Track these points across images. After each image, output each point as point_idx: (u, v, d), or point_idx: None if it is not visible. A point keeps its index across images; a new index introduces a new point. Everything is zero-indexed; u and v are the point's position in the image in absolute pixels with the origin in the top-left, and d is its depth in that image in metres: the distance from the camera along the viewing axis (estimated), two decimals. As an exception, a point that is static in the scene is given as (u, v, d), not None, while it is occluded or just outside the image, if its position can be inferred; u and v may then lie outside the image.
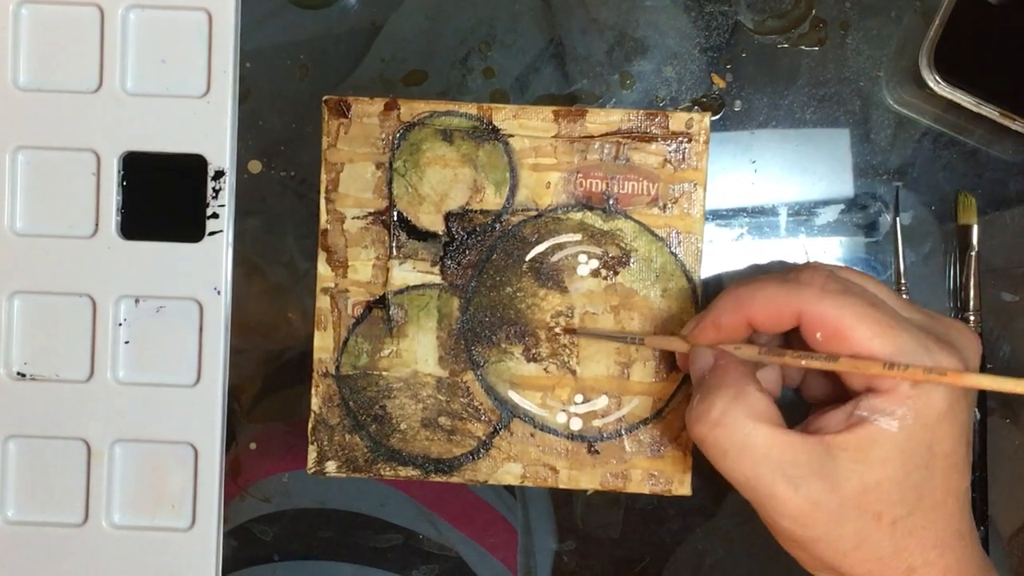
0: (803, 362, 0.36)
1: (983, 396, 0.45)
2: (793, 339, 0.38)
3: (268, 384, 0.47)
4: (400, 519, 0.47)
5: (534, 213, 0.45)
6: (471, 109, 0.45)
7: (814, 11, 0.46)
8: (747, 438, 0.35)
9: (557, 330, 0.45)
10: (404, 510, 0.47)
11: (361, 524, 0.47)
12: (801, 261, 0.46)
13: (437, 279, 0.45)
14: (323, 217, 0.45)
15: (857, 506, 0.34)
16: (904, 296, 0.46)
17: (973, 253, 0.45)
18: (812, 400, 0.40)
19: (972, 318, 0.45)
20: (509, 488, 0.47)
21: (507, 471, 0.45)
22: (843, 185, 0.46)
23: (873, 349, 0.34)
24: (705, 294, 0.45)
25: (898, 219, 0.46)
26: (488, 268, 0.45)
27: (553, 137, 0.45)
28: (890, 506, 0.34)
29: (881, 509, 0.34)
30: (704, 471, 0.46)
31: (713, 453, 0.36)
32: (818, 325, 0.35)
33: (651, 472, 0.45)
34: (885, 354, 0.34)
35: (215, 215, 0.46)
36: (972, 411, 0.36)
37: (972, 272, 0.45)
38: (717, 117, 0.46)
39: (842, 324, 0.34)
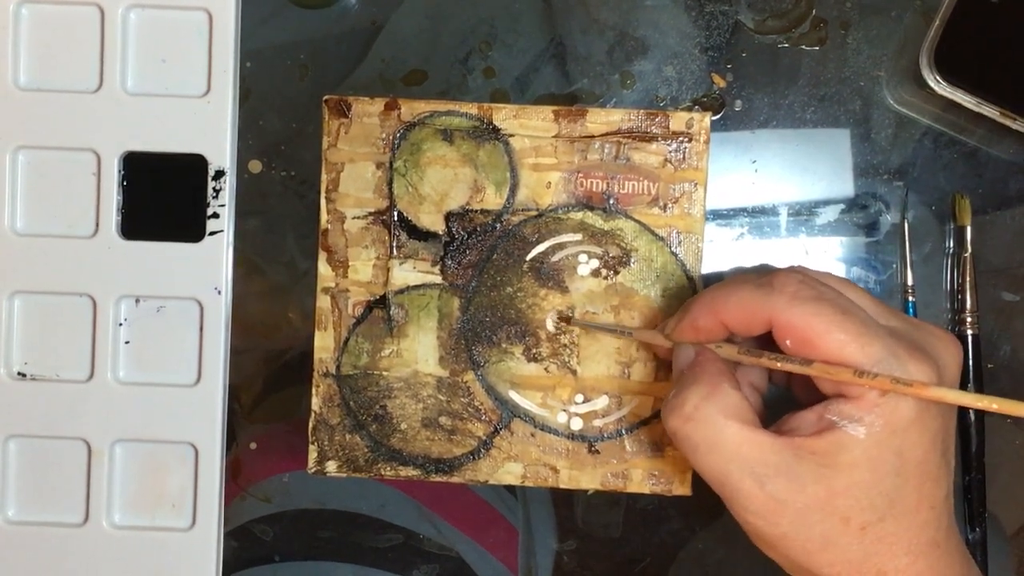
0: (778, 364, 0.36)
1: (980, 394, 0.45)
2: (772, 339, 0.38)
3: (268, 384, 0.47)
4: (400, 519, 0.47)
5: (534, 213, 0.45)
6: (471, 109, 0.45)
7: (814, 11, 0.46)
8: (717, 434, 0.35)
9: (554, 321, 0.45)
10: (404, 510, 0.47)
11: (361, 524, 0.47)
12: (801, 261, 0.46)
13: (437, 279, 0.45)
14: (323, 217, 0.45)
15: (823, 508, 0.35)
16: (911, 298, 0.46)
17: (967, 255, 0.45)
18: (802, 400, 0.40)
19: (969, 319, 0.45)
20: (510, 488, 0.47)
21: (508, 471, 0.45)
22: (843, 185, 0.46)
23: (842, 356, 0.34)
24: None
25: (906, 222, 0.46)
26: (488, 268, 0.45)
27: (553, 137, 0.45)
28: (859, 511, 0.35)
29: (849, 514, 0.35)
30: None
31: (684, 447, 0.36)
32: (787, 332, 0.35)
33: (652, 472, 0.45)
34: (854, 361, 0.34)
35: (215, 215, 0.46)
36: (947, 419, 0.36)
37: (968, 274, 0.45)
38: (717, 117, 0.46)
39: (811, 332, 0.34)
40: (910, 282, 0.46)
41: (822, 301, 0.35)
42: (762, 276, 0.37)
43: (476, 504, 0.47)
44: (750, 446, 0.35)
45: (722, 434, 0.35)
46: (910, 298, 0.46)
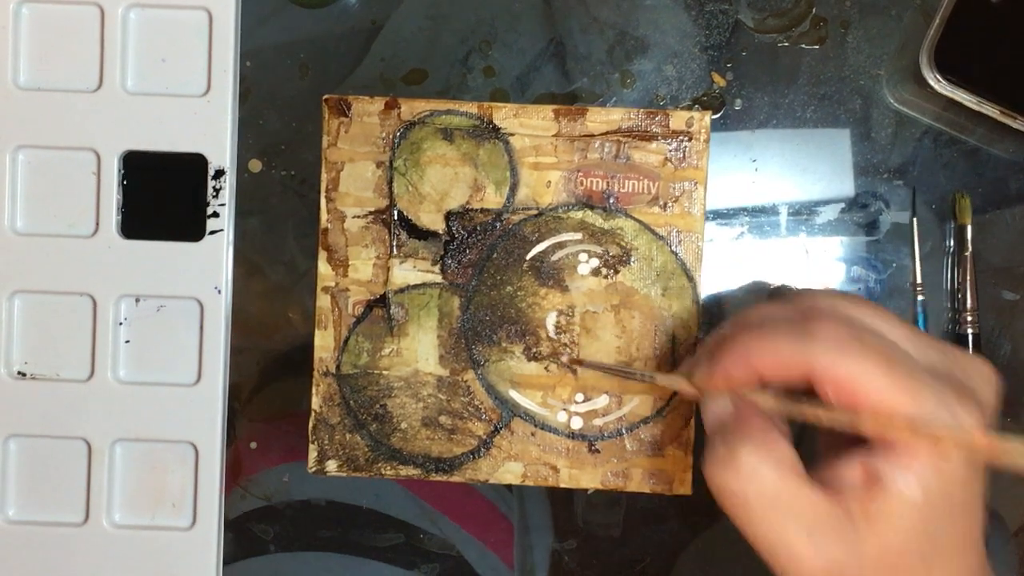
0: (825, 417, 0.34)
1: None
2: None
3: (268, 383, 0.47)
4: (401, 516, 0.47)
5: (534, 212, 0.45)
6: (471, 108, 0.45)
7: (814, 9, 0.46)
8: (775, 492, 0.33)
9: (564, 360, 0.45)
10: (405, 507, 0.47)
11: (361, 522, 0.47)
12: (801, 261, 0.46)
13: (438, 278, 0.45)
14: (323, 216, 0.45)
15: (877, 568, 0.33)
16: (920, 296, 0.45)
17: (968, 254, 0.45)
18: (826, 440, 0.38)
19: (969, 318, 0.45)
20: (508, 485, 0.47)
21: (508, 470, 0.45)
22: (843, 184, 0.46)
23: (891, 408, 0.32)
24: (706, 294, 0.45)
25: (914, 220, 0.46)
26: (489, 267, 0.45)
27: (553, 136, 0.45)
28: (911, 566, 0.33)
29: (902, 568, 0.33)
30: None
31: (734, 503, 0.34)
32: (830, 383, 0.33)
33: (652, 471, 0.45)
34: (904, 413, 0.32)
35: (215, 214, 0.46)
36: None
37: (968, 273, 0.45)
38: (718, 116, 0.46)
39: (856, 384, 0.33)
40: (919, 280, 0.46)
41: (866, 349, 0.33)
42: (796, 320, 0.35)
43: (477, 501, 0.47)
44: (804, 504, 0.33)
45: (780, 491, 0.33)
46: (919, 296, 0.45)
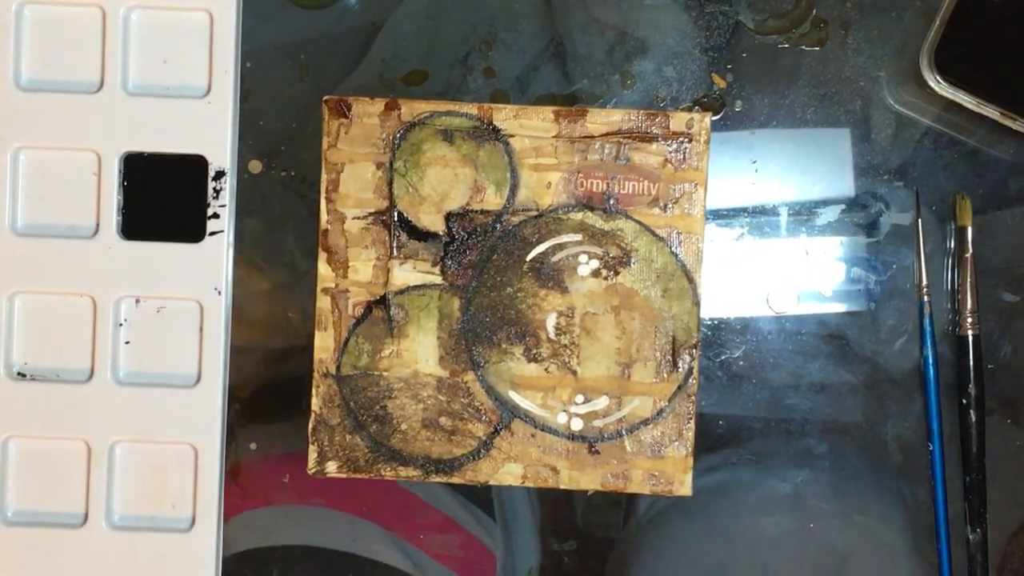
0: None
1: (981, 395, 0.45)
2: None
3: (268, 384, 0.47)
4: (370, 552, 0.46)
5: (535, 213, 0.45)
6: (471, 109, 0.45)
7: (815, 11, 0.46)
8: None
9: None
10: (376, 541, 0.46)
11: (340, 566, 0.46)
12: (802, 261, 0.46)
13: (438, 279, 0.45)
14: (323, 217, 0.45)
15: None
16: (925, 298, 0.45)
17: (968, 255, 0.45)
18: None
19: (970, 319, 0.45)
20: (487, 510, 0.47)
21: (508, 471, 0.45)
22: (844, 185, 0.46)
23: None
24: (706, 296, 0.45)
25: (919, 221, 0.46)
26: (489, 268, 0.45)
27: (553, 137, 0.45)
28: None
29: None
30: (704, 471, 0.46)
31: None
32: None
33: (652, 472, 0.45)
34: None
35: (216, 215, 0.46)
36: None
37: (968, 274, 0.45)
38: (718, 117, 0.46)
39: None
40: (924, 282, 0.45)
41: None
42: None
43: (450, 528, 0.47)
44: None
45: None
46: (925, 297, 0.45)
